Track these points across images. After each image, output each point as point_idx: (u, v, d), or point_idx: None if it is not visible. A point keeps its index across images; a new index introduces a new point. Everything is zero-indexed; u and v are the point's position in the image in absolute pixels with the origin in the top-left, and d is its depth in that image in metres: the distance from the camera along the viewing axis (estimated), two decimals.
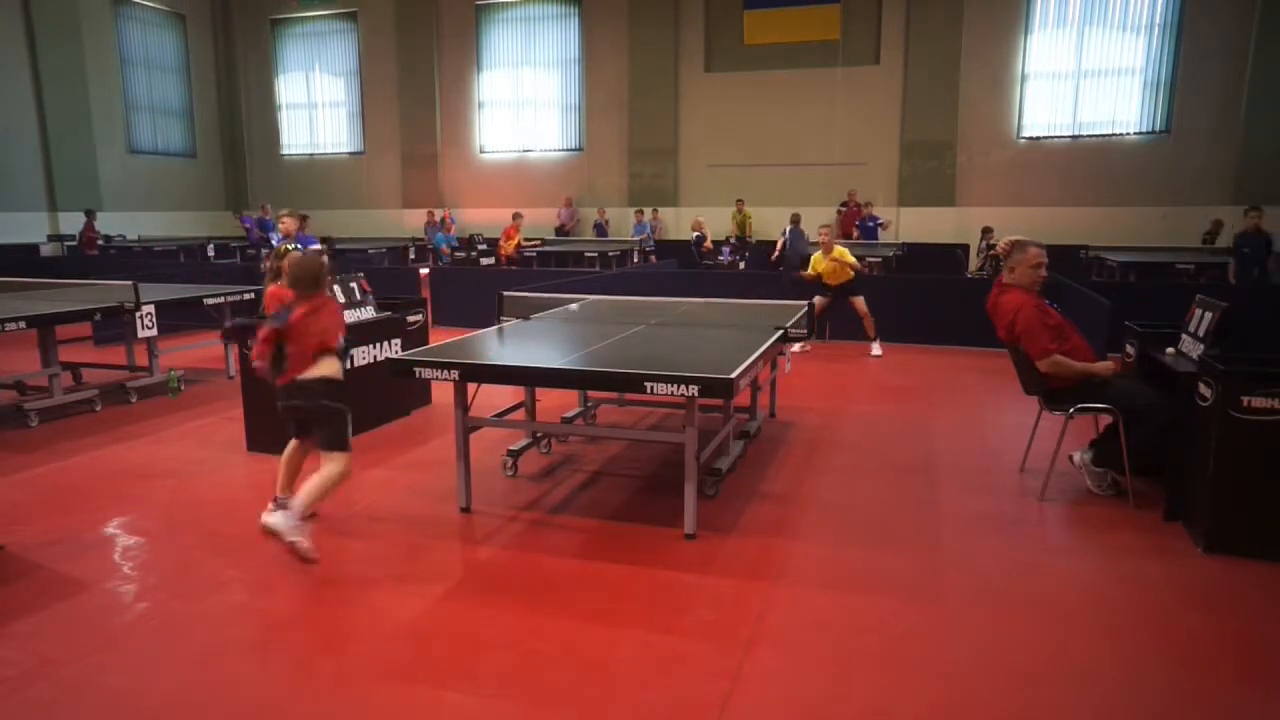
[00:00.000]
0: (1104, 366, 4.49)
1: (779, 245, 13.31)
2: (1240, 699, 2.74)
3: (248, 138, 22.41)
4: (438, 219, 18.56)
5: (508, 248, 15.35)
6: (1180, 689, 2.79)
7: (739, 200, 17.52)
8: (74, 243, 16.61)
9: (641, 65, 18.74)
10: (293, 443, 3.95)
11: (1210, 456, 3.75)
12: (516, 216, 15.82)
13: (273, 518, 3.58)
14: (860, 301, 8.90)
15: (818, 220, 16.63)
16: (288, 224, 8.38)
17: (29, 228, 16.93)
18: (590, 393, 5.90)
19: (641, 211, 18.12)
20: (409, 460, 5.28)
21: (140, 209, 19.64)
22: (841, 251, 8.84)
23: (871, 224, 16.22)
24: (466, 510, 4.37)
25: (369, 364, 5.86)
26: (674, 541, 3.97)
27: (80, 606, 3.34)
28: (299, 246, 6.54)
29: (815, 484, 4.83)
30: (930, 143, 17.25)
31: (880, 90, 17.45)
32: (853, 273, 8.85)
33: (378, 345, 5.95)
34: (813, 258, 9.10)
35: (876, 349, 8.94)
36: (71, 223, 17.27)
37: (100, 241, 16.38)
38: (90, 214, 16.42)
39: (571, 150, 20.02)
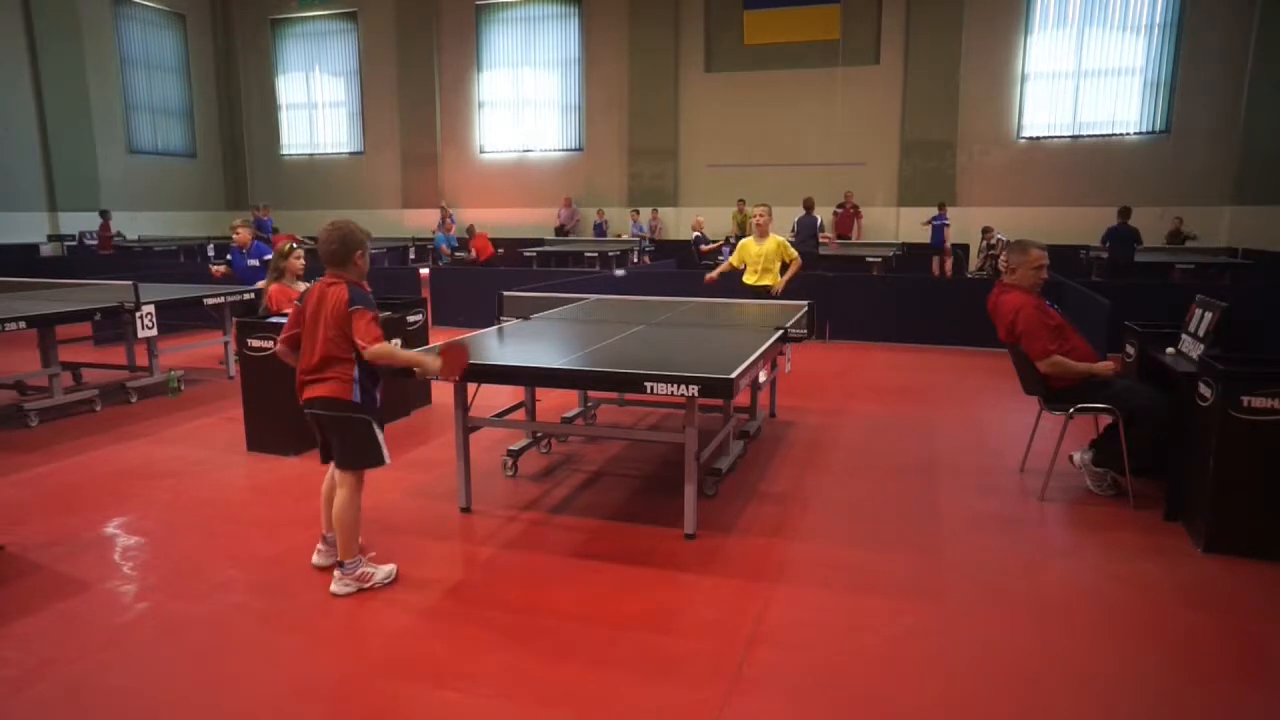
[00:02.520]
0: (1104, 367, 4.49)
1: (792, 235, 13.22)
2: (1240, 699, 2.74)
3: (248, 138, 22.42)
4: (446, 216, 18.45)
5: (483, 253, 15.50)
6: (1180, 689, 2.79)
7: (740, 200, 17.49)
8: (74, 242, 16.63)
9: (641, 65, 18.76)
10: (329, 472, 3.63)
11: (1210, 456, 3.75)
12: (471, 230, 15.98)
13: (336, 586, 3.41)
14: None
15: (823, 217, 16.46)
16: (243, 234, 8.20)
17: (29, 228, 16.95)
18: (590, 393, 5.90)
19: (638, 211, 18.06)
20: (409, 460, 5.28)
21: (140, 209, 19.65)
22: (780, 242, 7.32)
23: (939, 223, 15.96)
24: (466, 510, 4.37)
25: None
26: (674, 541, 3.97)
27: (80, 606, 3.34)
28: (293, 246, 6.52)
29: (815, 484, 4.83)
30: (930, 143, 17.27)
31: (880, 90, 17.46)
32: (779, 277, 7.24)
33: None
34: (740, 244, 7.52)
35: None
36: (71, 223, 17.30)
37: (118, 240, 16.40)
38: (105, 214, 16.45)
39: (571, 150, 20.03)
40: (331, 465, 3.59)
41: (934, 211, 16.20)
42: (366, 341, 3.28)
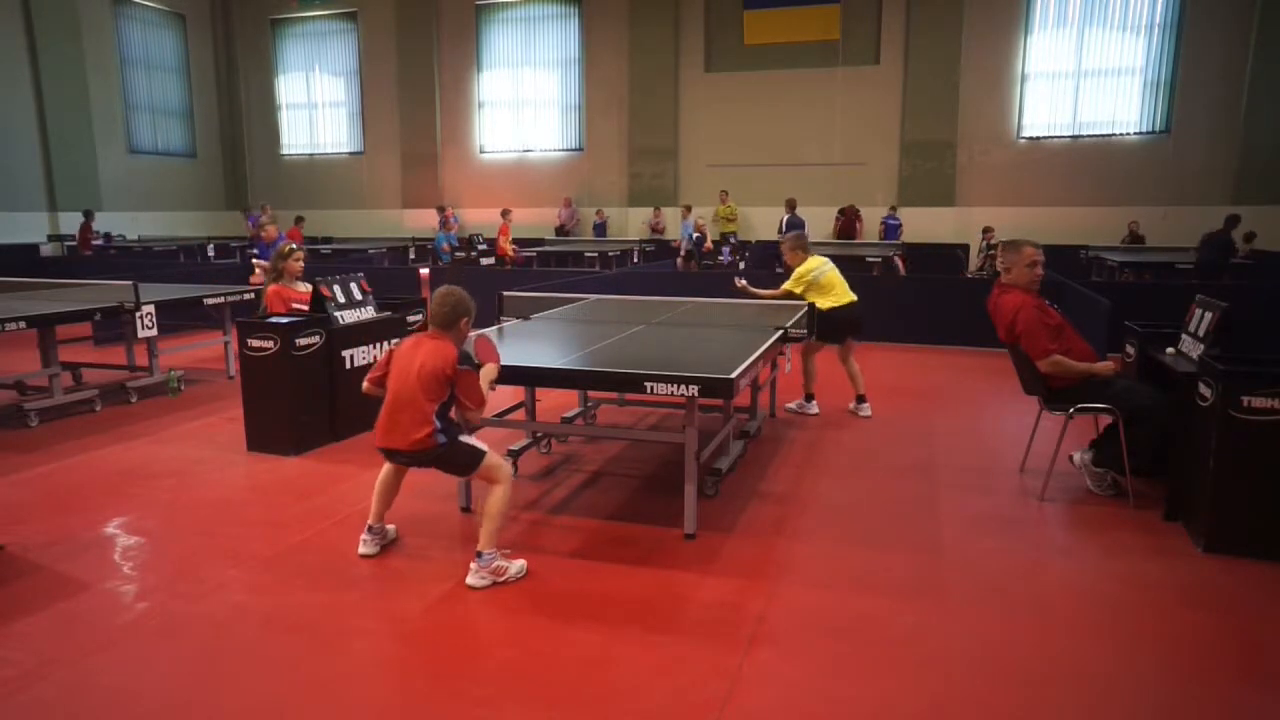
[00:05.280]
0: (1104, 366, 4.49)
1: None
2: (1240, 699, 2.74)
3: (248, 138, 22.41)
4: (448, 215, 18.30)
5: (506, 246, 15.34)
6: (1180, 689, 2.79)
7: (723, 192, 17.37)
8: (74, 243, 16.62)
9: (641, 65, 18.75)
10: (387, 466, 3.82)
11: (1210, 456, 3.75)
12: (505, 214, 15.71)
13: (472, 578, 3.48)
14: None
15: (817, 220, 16.68)
16: (270, 231, 9.00)
17: (29, 228, 16.94)
18: (590, 393, 5.90)
19: (689, 208, 17.71)
20: None
21: (140, 209, 19.65)
22: (797, 274, 6.37)
23: (892, 222, 16.09)
24: (467, 510, 4.37)
25: (369, 364, 5.86)
26: (674, 541, 3.97)
27: (80, 606, 3.34)
28: (293, 247, 6.53)
29: (815, 484, 4.83)
30: (930, 143, 17.26)
31: (880, 90, 17.46)
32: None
33: (378, 345, 5.96)
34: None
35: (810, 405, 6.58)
36: (72, 223, 17.29)
37: (98, 241, 16.37)
38: (88, 214, 16.43)
39: (571, 150, 20.03)
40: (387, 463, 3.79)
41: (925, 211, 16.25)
42: (474, 404, 3.55)
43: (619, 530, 4.13)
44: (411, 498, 4.57)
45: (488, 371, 3.72)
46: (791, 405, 6.60)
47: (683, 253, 16.08)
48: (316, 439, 5.49)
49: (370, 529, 3.83)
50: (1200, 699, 2.73)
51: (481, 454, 3.59)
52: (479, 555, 3.52)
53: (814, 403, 6.58)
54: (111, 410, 6.50)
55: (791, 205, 14.03)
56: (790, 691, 2.76)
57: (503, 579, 3.53)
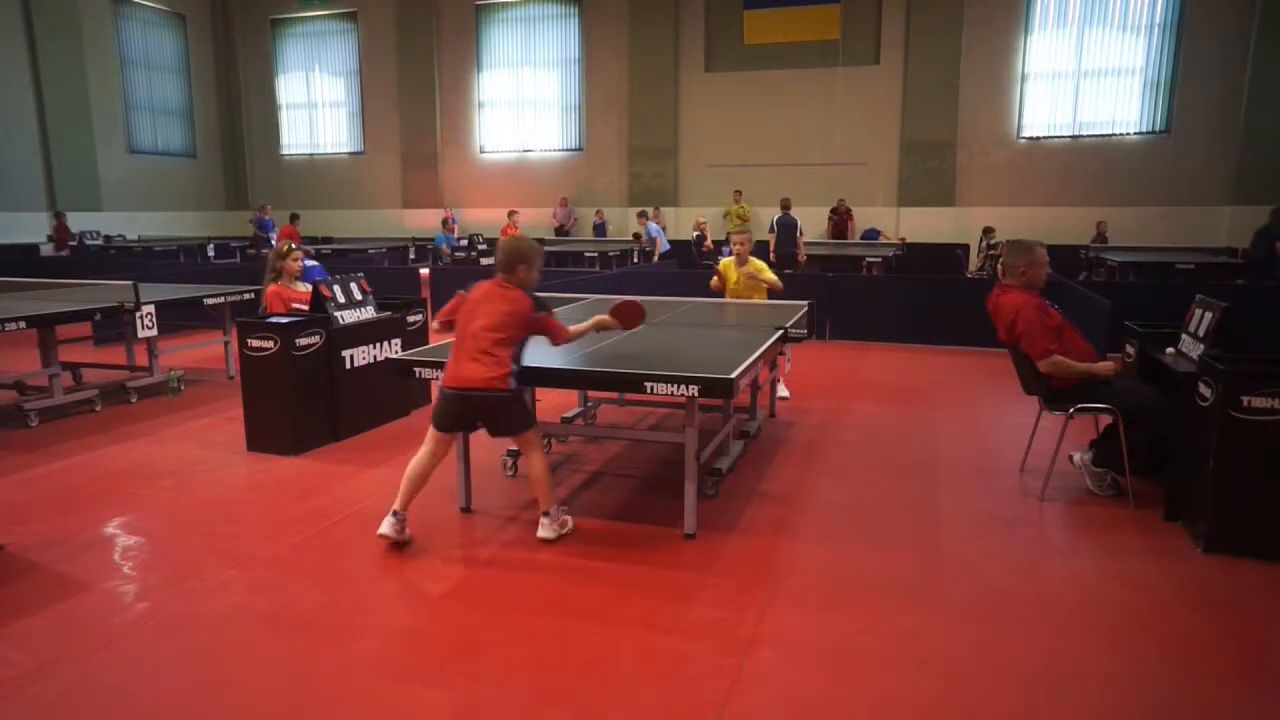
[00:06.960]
0: (1104, 367, 4.49)
1: (771, 241, 13.24)
2: (1240, 699, 2.74)
3: (248, 138, 22.42)
4: (448, 217, 18.31)
5: None
6: (1180, 689, 2.79)
7: (736, 192, 17.41)
8: (74, 242, 16.64)
9: (641, 65, 18.76)
10: (421, 454, 3.94)
11: (1210, 456, 3.75)
12: (512, 214, 15.66)
13: (543, 531, 3.92)
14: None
15: (815, 220, 16.66)
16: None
17: (29, 228, 16.94)
18: (590, 393, 5.90)
19: (657, 212, 17.57)
20: (409, 460, 5.26)
21: (140, 209, 19.65)
22: (759, 266, 6.87)
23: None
24: (467, 510, 4.37)
25: (369, 364, 5.86)
26: (674, 541, 3.97)
27: (80, 606, 3.33)
28: (291, 247, 6.54)
29: (815, 484, 4.83)
30: (930, 143, 17.26)
31: (880, 90, 17.46)
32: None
33: (378, 345, 5.96)
34: (723, 263, 7.17)
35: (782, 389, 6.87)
36: (72, 223, 17.31)
37: (96, 243, 16.40)
38: (60, 215, 16.51)
39: (571, 150, 20.04)
40: (429, 441, 3.95)
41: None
42: (562, 339, 4.00)
43: (619, 530, 4.13)
44: None
45: (602, 320, 4.13)
46: (782, 394, 6.73)
47: (656, 257, 15.46)
48: (316, 439, 5.50)
49: (395, 514, 3.90)
50: (1200, 699, 2.73)
51: (533, 420, 3.99)
52: (546, 514, 3.94)
53: (781, 385, 6.82)
54: (111, 410, 6.50)
55: (786, 205, 14.00)
56: (790, 691, 2.76)
57: (565, 530, 3.99)
